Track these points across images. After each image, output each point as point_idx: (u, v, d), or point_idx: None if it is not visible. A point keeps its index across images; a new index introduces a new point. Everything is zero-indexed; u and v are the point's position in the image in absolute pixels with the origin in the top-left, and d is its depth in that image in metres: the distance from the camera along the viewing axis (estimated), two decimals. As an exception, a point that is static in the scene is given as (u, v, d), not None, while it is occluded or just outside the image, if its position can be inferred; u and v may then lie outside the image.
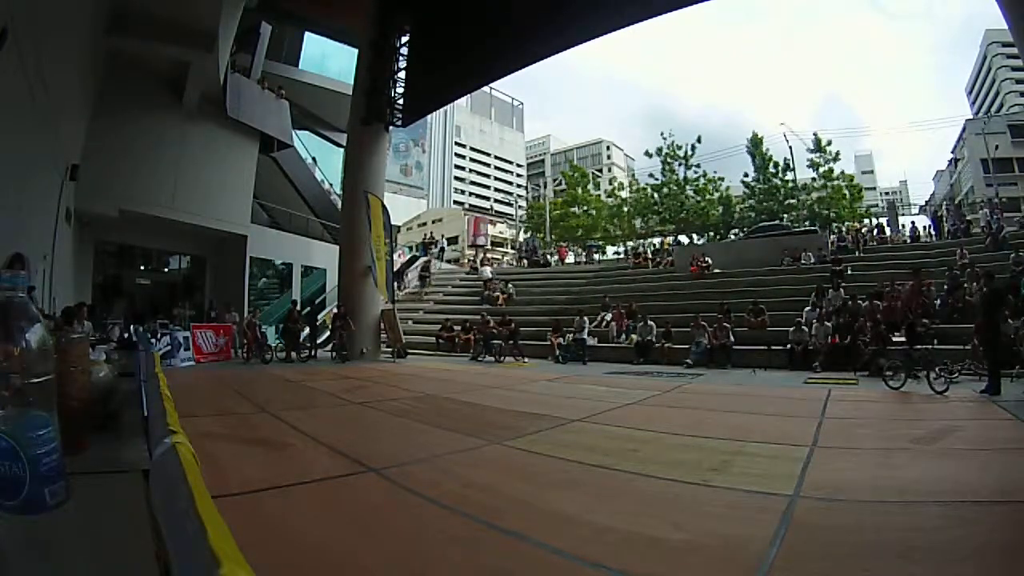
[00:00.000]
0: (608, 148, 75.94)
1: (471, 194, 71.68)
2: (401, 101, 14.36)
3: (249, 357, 11.54)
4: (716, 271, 15.26)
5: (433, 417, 4.84)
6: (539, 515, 2.27)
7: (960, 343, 8.04)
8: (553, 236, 34.98)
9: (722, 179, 31.39)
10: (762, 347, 10.15)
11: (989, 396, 5.66)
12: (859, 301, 10.41)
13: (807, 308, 10.84)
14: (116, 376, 1.43)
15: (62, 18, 7.71)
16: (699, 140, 31.68)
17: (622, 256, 26.46)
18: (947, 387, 6.04)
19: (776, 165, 30.09)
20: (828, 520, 2.18)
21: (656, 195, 32.07)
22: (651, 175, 33.31)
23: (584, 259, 25.36)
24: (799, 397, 6.34)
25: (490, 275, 19.17)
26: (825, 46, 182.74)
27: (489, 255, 31.65)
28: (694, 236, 30.43)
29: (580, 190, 36.61)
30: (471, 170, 75.01)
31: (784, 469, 2.92)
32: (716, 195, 30.97)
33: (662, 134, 32.37)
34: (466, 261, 28.01)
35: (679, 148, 31.48)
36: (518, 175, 77.89)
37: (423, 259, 21.78)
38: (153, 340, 9.09)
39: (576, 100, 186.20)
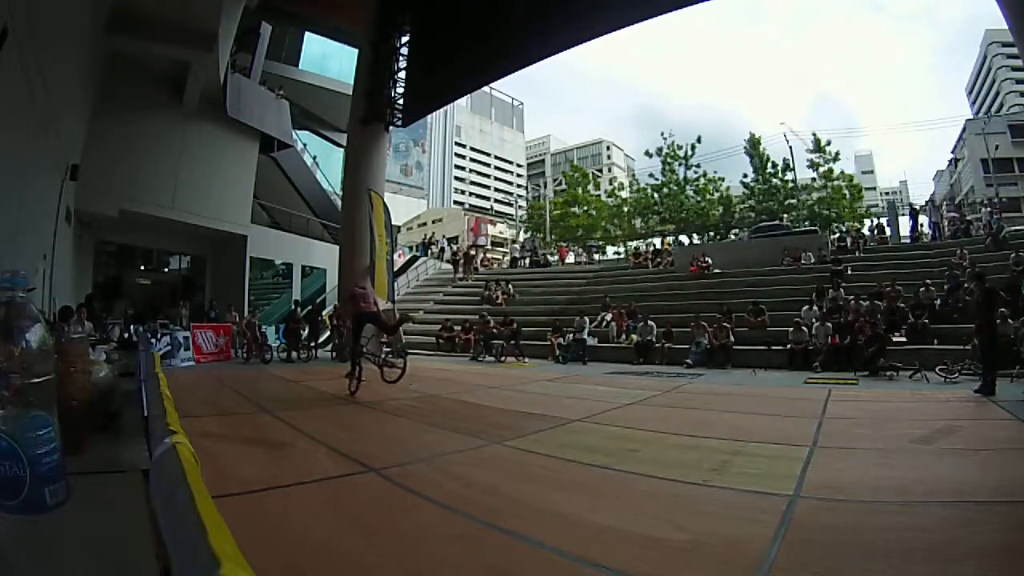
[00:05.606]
0: (608, 148, 75.95)
1: (471, 194, 71.71)
2: (401, 101, 14.35)
3: (249, 357, 11.55)
4: (716, 271, 15.25)
5: (433, 417, 4.84)
6: (539, 515, 2.27)
7: (960, 343, 8.04)
8: (553, 236, 34.97)
9: (722, 179, 31.40)
10: (762, 347, 10.15)
11: (983, 396, 5.65)
12: (860, 301, 10.43)
13: (805, 307, 10.85)
14: (116, 376, 1.43)
15: (62, 18, 7.70)
16: (699, 140, 31.72)
17: (622, 256, 26.44)
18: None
19: (775, 165, 30.10)
20: (828, 520, 2.18)
21: (656, 195, 32.06)
22: (651, 175, 33.33)
23: (584, 259, 25.35)
24: (799, 397, 6.33)
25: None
26: (823, 46, 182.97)
27: (489, 255, 31.64)
28: (694, 236, 30.42)
29: (580, 190, 36.61)
30: (471, 170, 75.02)
31: (784, 469, 2.92)
32: (716, 195, 30.96)
33: (662, 134, 32.40)
34: (464, 262, 27.97)
35: (679, 148, 31.49)
36: (518, 175, 77.91)
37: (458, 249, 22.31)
38: (153, 340, 9.10)
39: (575, 100, 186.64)
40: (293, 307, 13.40)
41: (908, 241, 17.28)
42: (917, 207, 21.78)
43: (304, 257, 17.93)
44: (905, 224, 18.66)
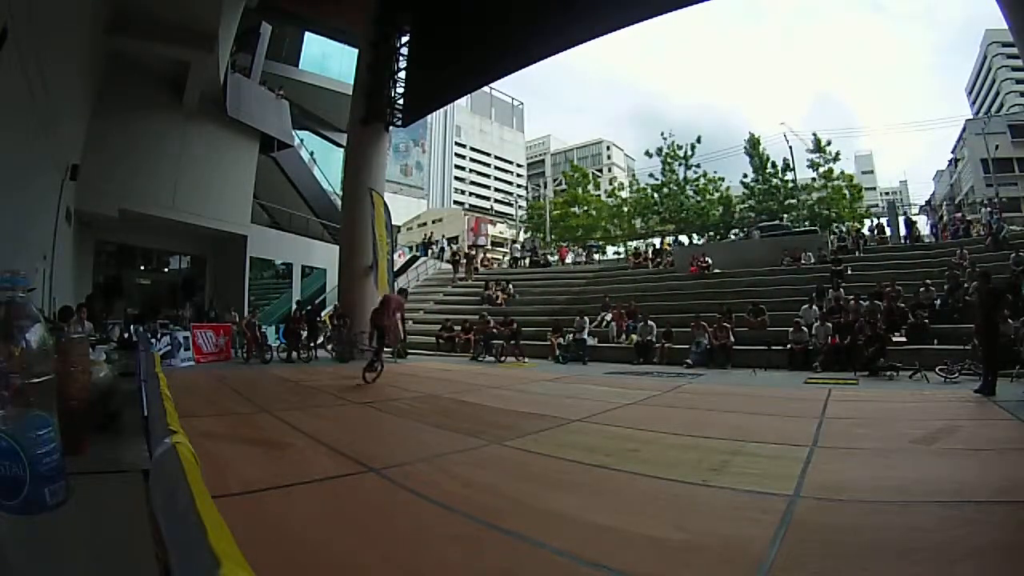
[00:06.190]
0: (608, 148, 75.94)
1: (471, 194, 71.69)
2: (401, 101, 14.36)
3: (249, 357, 11.55)
4: (716, 271, 15.26)
5: (433, 417, 4.84)
6: (539, 515, 2.27)
7: (960, 343, 8.04)
8: (553, 236, 34.96)
9: (722, 179, 31.39)
10: (762, 347, 10.15)
11: (983, 395, 5.65)
12: (860, 301, 10.43)
13: (804, 307, 10.84)
14: (116, 376, 1.43)
15: (62, 18, 7.71)
16: (699, 140, 31.72)
17: (622, 256, 26.43)
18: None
19: (775, 165, 30.09)
20: (828, 520, 2.18)
21: (656, 195, 32.06)
22: (651, 175, 33.33)
23: (584, 259, 25.36)
24: (799, 397, 6.34)
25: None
26: (823, 47, 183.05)
27: (489, 255, 31.63)
28: (694, 236, 30.41)
29: (580, 190, 36.61)
30: (471, 170, 75.01)
31: (784, 469, 2.92)
32: (716, 195, 30.97)
33: (662, 134, 32.40)
34: (465, 262, 28.00)
35: (679, 148, 31.50)
36: (518, 175, 77.90)
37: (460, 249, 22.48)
38: (153, 340, 9.10)
39: (575, 100, 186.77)
40: (295, 307, 13.40)
41: (906, 242, 17.26)
42: (912, 215, 21.72)
43: (304, 257, 17.94)
44: (901, 229, 18.58)
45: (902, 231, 18.22)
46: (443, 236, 31.76)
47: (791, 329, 10.01)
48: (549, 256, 25.88)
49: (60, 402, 0.65)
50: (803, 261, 14.68)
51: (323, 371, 9.50)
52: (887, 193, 49.68)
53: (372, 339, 7.94)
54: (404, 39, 14.32)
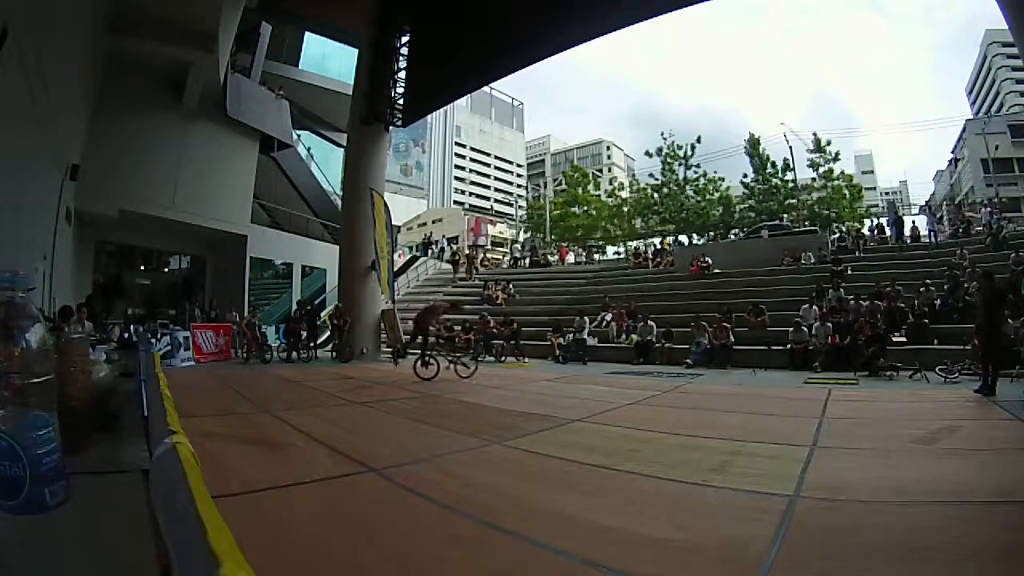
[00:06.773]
0: (608, 148, 75.93)
1: (471, 194, 71.72)
2: (401, 101, 14.35)
3: (249, 357, 11.55)
4: (716, 271, 15.26)
5: (433, 417, 4.84)
6: (539, 515, 2.27)
7: (960, 343, 8.03)
8: (553, 236, 34.97)
9: (722, 179, 31.40)
10: (762, 347, 10.15)
11: (983, 395, 5.65)
12: (860, 301, 10.43)
13: (804, 307, 10.83)
14: (116, 376, 1.43)
15: (62, 18, 7.71)
16: (699, 140, 31.73)
17: (622, 256, 26.42)
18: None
19: (775, 165, 30.08)
20: (828, 520, 2.18)
21: (656, 195, 32.07)
22: (651, 175, 33.34)
23: (584, 259, 25.35)
24: (799, 397, 6.34)
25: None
26: (823, 47, 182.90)
27: (489, 255, 31.63)
28: (694, 236, 30.41)
29: (580, 190, 36.61)
30: (471, 170, 75.03)
31: (784, 469, 2.92)
32: (716, 195, 30.98)
33: (662, 134, 32.40)
34: (466, 262, 27.98)
35: (679, 148, 31.50)
36: (518, 175, 77.91)
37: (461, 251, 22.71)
38: (153, 340, 9.11)
39: (575, 100, 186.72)
40: (295, 307, 13.41)
41: (900, 243, 17.17)
42: (911, 215, 21.66)
43: (304, 257, 17.94)
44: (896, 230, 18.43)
45: (895, 232, 18.12)
46: (443, 236, 31.74)
47: (791, 329, 10.01)
48: (549, 256, 25.87)
49: (60, 402, 0.65)
50: (803, 261, 14.68)
51: (323, 371, 9.50)
52: (887, 193, 49.70)
53: (415, 339, 8.88)
54: (404, 39, 14.32)
